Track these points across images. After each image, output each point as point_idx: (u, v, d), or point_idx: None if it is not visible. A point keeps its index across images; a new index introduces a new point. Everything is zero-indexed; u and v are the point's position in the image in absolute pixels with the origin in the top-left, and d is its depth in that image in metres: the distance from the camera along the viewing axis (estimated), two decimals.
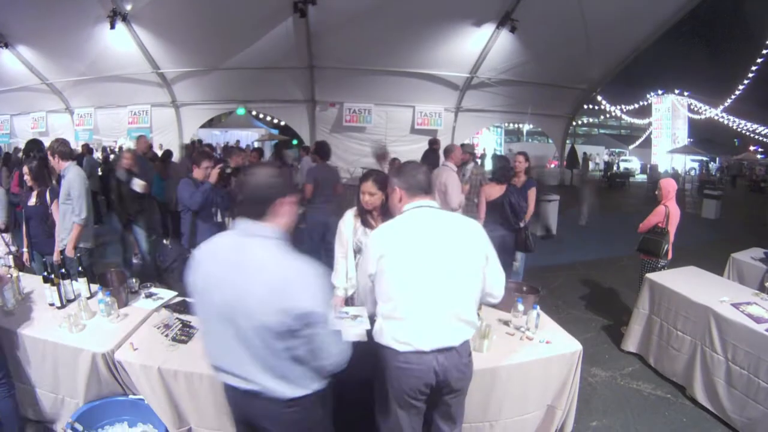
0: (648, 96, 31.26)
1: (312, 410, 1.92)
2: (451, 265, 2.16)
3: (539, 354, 2.96)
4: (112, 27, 11.69)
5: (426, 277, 2.13)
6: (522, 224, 5.39)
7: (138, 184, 5.78)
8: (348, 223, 3.23)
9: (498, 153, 25.92)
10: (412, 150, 14.13)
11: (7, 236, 4.77)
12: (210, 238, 1.94)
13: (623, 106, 29.45)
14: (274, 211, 1.81)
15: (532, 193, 5.72)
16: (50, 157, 4.36)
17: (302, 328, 1.69)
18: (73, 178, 4.28)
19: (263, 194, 1.81)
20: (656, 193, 5.09)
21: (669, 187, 4.99)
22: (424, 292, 2.13)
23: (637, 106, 30.95)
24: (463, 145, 7.26)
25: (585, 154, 23.75)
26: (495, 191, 5.24)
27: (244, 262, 1.76)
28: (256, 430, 1.99)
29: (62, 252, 4.28)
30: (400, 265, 2.16)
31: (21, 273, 3.71)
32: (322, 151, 6.52)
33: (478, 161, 7.81)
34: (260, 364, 1.79)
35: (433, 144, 9.22)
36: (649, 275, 4.63)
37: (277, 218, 1.83)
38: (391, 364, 2.17)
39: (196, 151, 6.87)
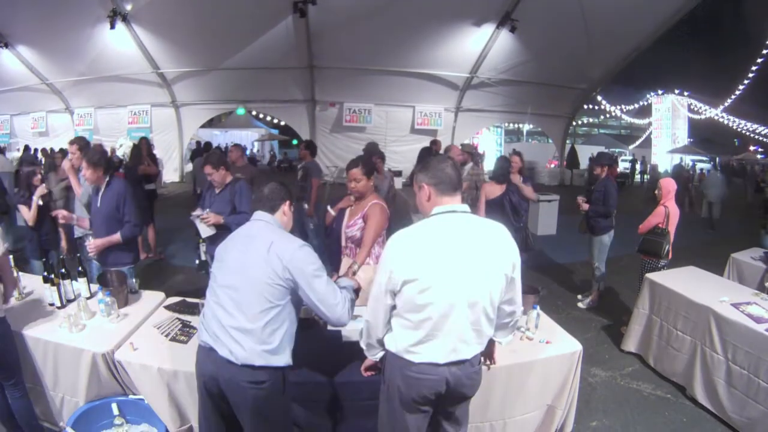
0: (648, 96, 31.24)
1: (275, 393, 2.19)
2: (482, 280, 2.01)
3: (539, 354, 2.96)
4: (112, 27, 11.72)
5: (456, 293, 1.99)
6: (522, 223, 5.43)
7: None
8: None
9: (501, 154, 25.88)
10: (413, 150, 14.15)
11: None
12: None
13: (623, 106, 29.45)
14: (282, 211, 2.41)
15: (529, 187, 5.89)
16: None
17: (291, 281, 2.15)
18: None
19: (273, 197, 2.40)
20: (656, 192, 5.10)
21: (669, 186, 4.99)
22: (453, 309, 1.99)
23: (637, 106, 30.96)
24: (462, 145, 7.28)
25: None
26: (495, 190, 5.25)
27: (250, 237, 2.29)
28: (220, 406, 2.24)
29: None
30: (432, 281, 1.97)
31: (21, 273, 3.71)
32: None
33: (479, 161, 7.80)
34: (248, 328, 2.12)
35: (433, 144, 9.23)
36: (649, 275, 4.63)
37: (281, 216, 2.40)
38: (403, 373, 2.09)
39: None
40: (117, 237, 3.89)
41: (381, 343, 2.22)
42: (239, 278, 2.17)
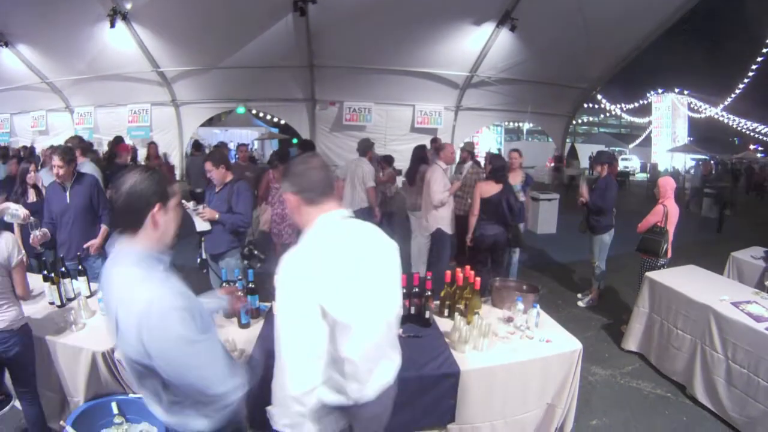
0: (648, 95, 31.27)
1: None
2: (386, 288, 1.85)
3: (539, 353, 2.96)
4: (112, 26, 11.68)
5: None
6: (516, 221, 5.47)
7: None
8: None
9: (492, 152, 25.65)
10: (413, 149, 14.15)
11: None
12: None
13: (623, 105, 29.47)
14: (147, 225, 1.64)
15: (528, 197, 6.07)
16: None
17: (153, 366, 1.56)
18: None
19: (134, 205, 1.62)
20: (654, 191, 5.11)
21: (667, 185, 5.00)
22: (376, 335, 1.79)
23: (637, 104, 30.96)
24: (465, 143, 7.31)
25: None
26: (492, 188, 5.24)
27: (112, 291, 1.63)
28: None
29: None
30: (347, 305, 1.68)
31: None
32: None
33: (480, 161, 7.80)
34: (149, 398, 1.71)
35: (433, 142, 9.25)
36: (649, 274, 4.63)
37: (147, 232, 1.65)
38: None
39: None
40: (105, 228, 4.03)
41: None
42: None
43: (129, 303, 1.54)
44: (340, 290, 1.64)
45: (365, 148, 6.95)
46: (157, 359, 1.53)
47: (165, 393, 1.65)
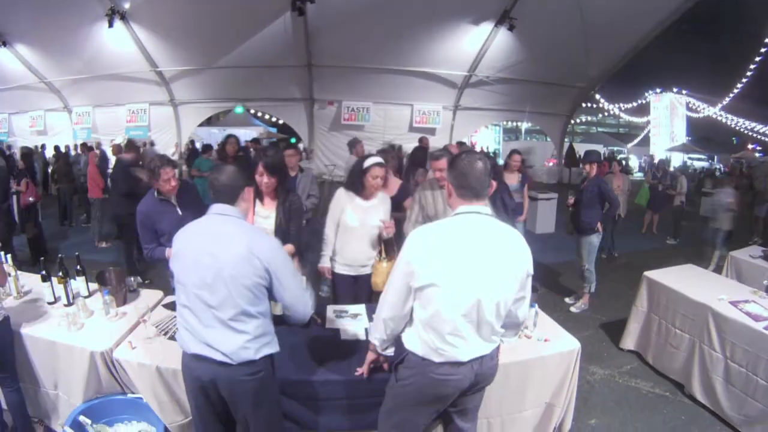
0: (646, 94, 31.18)
1: (270, 378, 2.27)
2: (498, 280, 2.02)
3: (537, 352, 2.96)
4: (111, 25, 11.69)
5: (477, 293, 1.98)
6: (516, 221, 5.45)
7: None
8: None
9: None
10: (410, 149, 14.13)
11: None
12: (189, 224, 2.29)
13: (621, 105, 29.40)
14: (242, 198, 2.29)
15: (526, 190, 6.21)
16: None
17: (268, 280, 2.14)
18: None
19: (235, 185, 2.26)
20: None
21: None
22: (474, 309, 1.99)
23: (635, 104, 30.88)
24: (459, 143, 7.34)
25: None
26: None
27: (221, 235, 2.16)
28: (216, 407, 2.29)
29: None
30: (454, 282, 1.98)
31: (19, 272, 3.69)
32: None
33: None
34: (229, 328, 2.12)
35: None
36: (647, 273, 4.63)
37: (242, 203, 2.29)
38: (426, 374, 2.08)
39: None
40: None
41: (395, 338, 2.23)
42: (214, 280, 2.08)
43: (263, 241, 2.18)
44: (429, 259, 2.00)
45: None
46: (277, 275, 2.14)
47: (261, 316, 2.18)
